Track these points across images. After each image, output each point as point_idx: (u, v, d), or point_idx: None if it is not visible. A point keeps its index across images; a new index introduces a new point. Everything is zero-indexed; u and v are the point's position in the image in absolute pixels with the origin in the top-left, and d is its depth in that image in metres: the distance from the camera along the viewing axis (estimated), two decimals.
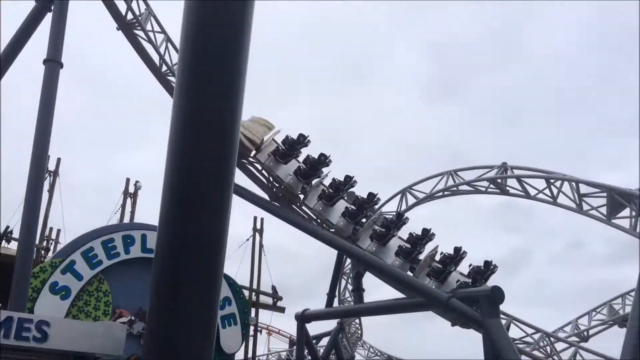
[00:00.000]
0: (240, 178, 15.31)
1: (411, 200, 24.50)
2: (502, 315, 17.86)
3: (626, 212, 17.11)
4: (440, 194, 23.74)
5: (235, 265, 24.97)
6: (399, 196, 24.78)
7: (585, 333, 23.11)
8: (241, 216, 25.40)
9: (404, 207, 24.62)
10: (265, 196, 15.56)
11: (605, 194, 17.43)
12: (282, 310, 27.37)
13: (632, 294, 18.72)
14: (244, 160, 15.51)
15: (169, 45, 18.44)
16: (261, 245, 25.82)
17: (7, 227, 20.86)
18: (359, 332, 29.21)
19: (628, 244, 19.80)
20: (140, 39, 18.13)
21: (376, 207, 16.12)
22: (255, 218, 26.33)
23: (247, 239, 26.04)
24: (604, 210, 17.54)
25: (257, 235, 26.06)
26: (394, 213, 22.30)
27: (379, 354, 32.33)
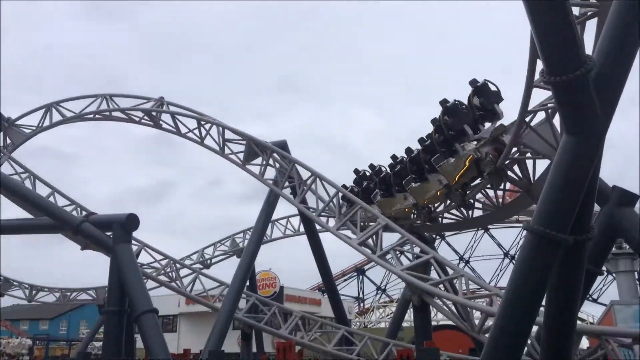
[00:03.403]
0: None
1: (57, 117, 22.59)
2: (134, 242, 18.46)
3: (258, 160, 19.55)
4: (92, 116, 22.51)
5: None
6: (43, 111, 22.54)
7: (208, 261, 25.91)
8: None
9: (47, 122, 22.55)
10: None
11: (244, 142, 19.48)
12: None
13: (251, 230, 21.84)
14: None
15: None
16: None
17: None
18: None
19: (258, 187, 22.77)
20: None
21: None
22: None
23: None
24: (242, 156, 19.59)
25: None
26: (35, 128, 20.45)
27: None
